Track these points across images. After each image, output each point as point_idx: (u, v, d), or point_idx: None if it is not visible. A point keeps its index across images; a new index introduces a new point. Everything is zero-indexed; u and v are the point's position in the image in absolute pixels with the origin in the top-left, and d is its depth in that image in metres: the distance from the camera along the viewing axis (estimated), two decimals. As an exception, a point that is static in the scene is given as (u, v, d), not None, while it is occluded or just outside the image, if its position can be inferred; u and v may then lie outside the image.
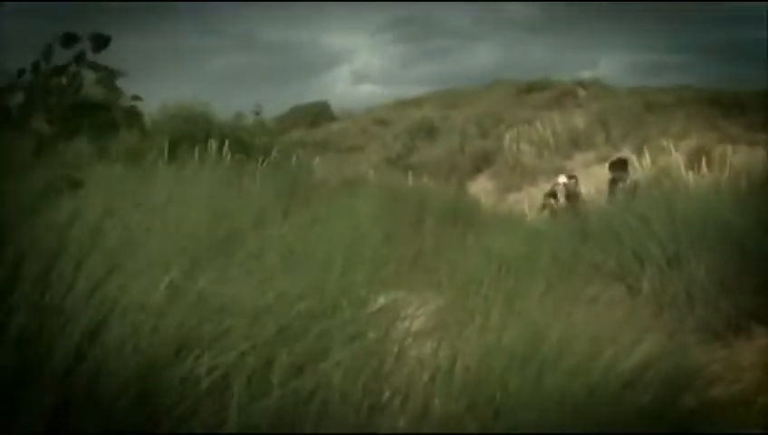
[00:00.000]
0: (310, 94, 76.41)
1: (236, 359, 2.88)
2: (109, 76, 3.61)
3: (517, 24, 79.10)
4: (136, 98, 3.85)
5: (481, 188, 24.91)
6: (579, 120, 27.43)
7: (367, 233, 11.00)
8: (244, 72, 71.31)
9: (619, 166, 14.09)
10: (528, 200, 19.14)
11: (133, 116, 3.83)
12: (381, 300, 3.82)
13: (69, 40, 3.61)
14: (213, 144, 13.02)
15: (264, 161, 13.40)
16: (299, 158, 15.64)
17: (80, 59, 3.61)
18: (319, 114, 39.03)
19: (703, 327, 7.41)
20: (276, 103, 40.87)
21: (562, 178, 15.40)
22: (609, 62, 73.18)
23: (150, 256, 3.40)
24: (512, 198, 23.53)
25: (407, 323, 3.65)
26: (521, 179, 25.14)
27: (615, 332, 4.05)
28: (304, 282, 3.48)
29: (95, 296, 3.05)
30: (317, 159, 17.55)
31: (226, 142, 13.08)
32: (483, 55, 76.76)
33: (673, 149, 11.17)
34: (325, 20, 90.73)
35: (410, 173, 16.99)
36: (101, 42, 3.65)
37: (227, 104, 16.74)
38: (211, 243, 4.34)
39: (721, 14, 71.44)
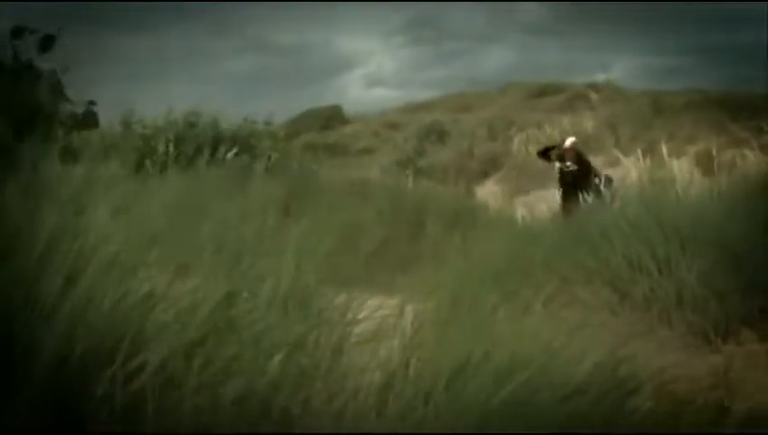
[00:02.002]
0: (323, 98, 76.38)
1: (163, 359, 2.91)
2: (51, 76, 3.66)
3: (531, 27, 78.72)
4: (91, 103, 3.90)
5: (489, 191, 24.92)
6: (588, 124, 27.41)
7: (354, 234, 11.16)
8: (257, 75, 71.25)
9: (567, 153, 14.65)
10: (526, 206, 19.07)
11: (88, 119, 3.88)
12: (341, 299, 3.84)
13: (17, 32, 3.66)
14: (215, 150, 13.10)
15: (266, 165, 13.47)
16: (302, 162, 15.71)
17: (17, 59, 3.66)
18: (331, 118, 39.11)
19: (693, 331, 7.43)
20: (289, 107, 40.93)
21: (570, 141, 15.34)
22: (624, 65, 72.94)
23: (111, 258, 3.43)
24: (520, 201, 23.49)
25: (362, 326, 3.68)
26: (529, 183, 25.09)
27: (568, 338, 4.04)
28: (254, 280, 3.52)
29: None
30: (318, 163, 17.60)
31: (223, 147, 13.18)
32: (496, 58, 76.51)
33: (665, 153, 11.15)
34: (338, 23, 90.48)
35: (411, 177, 16.99)
36: (46, 42, 3.70)
37: (240, 107, 16.82)
38: (180, 243, 4.37)
39: (738, 14, 71.02)
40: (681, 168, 17.07)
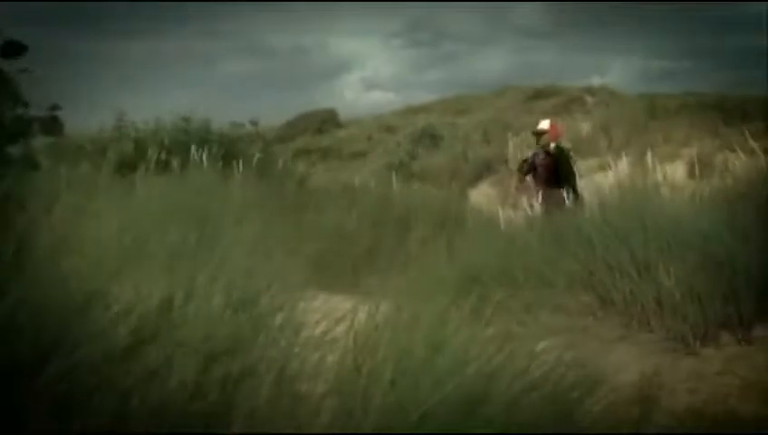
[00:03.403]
0: (320, 101, 76.46)
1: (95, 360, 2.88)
2: (3, 83, 3.61)
3: (529, 30, 79.08)
4: (55, 107, 3.85)
5: (483, 194, 24.87)
6: (582, 127, 27.42)
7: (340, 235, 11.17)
8: (253, 78, 71.50)
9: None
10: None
11: (51, 124, 3.83)
12: (292, 303, 3.80)
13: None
14: (200, 153, 13.10)
15: (250, 168, 13.47)
16: (286, 165, 15.73)
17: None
18: (326, 121, 39.10)
19: (671, 336, 7.42)
20: (285, 110, 40.93)
21: (547, 122, 13.42)
22: (621, 69, 73.07)
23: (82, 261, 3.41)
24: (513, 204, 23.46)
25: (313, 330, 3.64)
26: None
27: (524, 340, 3.99)
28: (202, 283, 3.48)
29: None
30: (311, 166, 17.63)
31: (208, 150, 13.19)
32: (494, 61, 76.81)
33: (650, 157, 11.14)
34: (335, 26, 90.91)
35: (399, 180, 16.92)
36: (13, 50, 3.65)
37: (234, 111, 16.86)
38: (142, 245, 4.32)
39: (735, 18, 71.18)
40: (674, 171, 17.09)
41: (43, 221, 3.72)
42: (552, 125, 13.35)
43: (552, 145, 13.07)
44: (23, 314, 2.89)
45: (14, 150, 3.83)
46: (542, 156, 12.98)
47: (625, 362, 6.72)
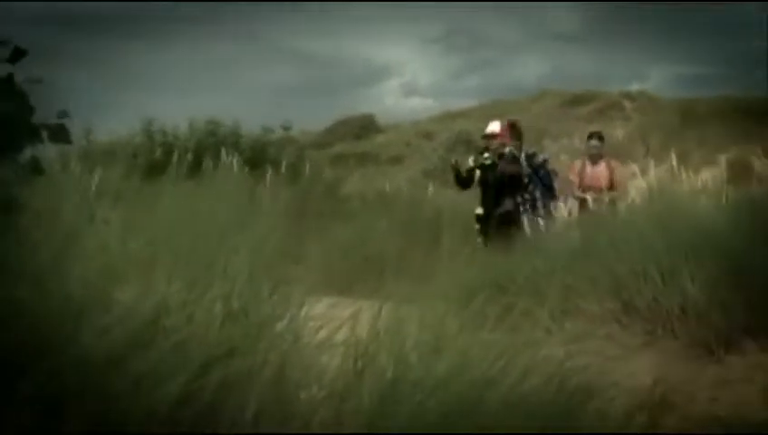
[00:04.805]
0: (359, 107, 76.58)
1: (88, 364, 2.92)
2: (8, 87, 3.65)
3: (567, 36, 78.88)
4: (62, 114, 3.89)
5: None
6: (619, 133, 27.28)
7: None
8: (293, 85, 71.85)
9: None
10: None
11: (58, 131, 3.86)
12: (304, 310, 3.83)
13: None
14: (230, 158, 13.18)
15: (281, 173, 13.57)
16: (317, 170, 15.77)
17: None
18: (364, 127, 39.16)
19: (695, 343, 7.37)
20: (325, 116, 41.09)
21: (496, 125, 11.83)
22: (659, 74, 72.62)
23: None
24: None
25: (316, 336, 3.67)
26: (559, 191, 24.93)
27: (523, 347, 3.99)
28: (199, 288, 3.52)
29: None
30: (348, 172, 17.64)
31: (237, 156, 13.25)
32: (532, 67, 76.69)
33: (674, 162, 11.02)
34: (374, 32, 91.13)
35: (432, 186, 16.92)
36: (15, 55, 3.69)
37: (275, 116, 16.76)
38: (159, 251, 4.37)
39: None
40: (708, 176, 16.95)
41: (52, 226, 3.77)
42: (504, 127, 11.77)
43: (507, 149, 11.46)
44: (17, 315, 2.93)
45: (23, 155, 3.87)
46: (508, 162, 11.38)
47: (644, 368, 6.70)
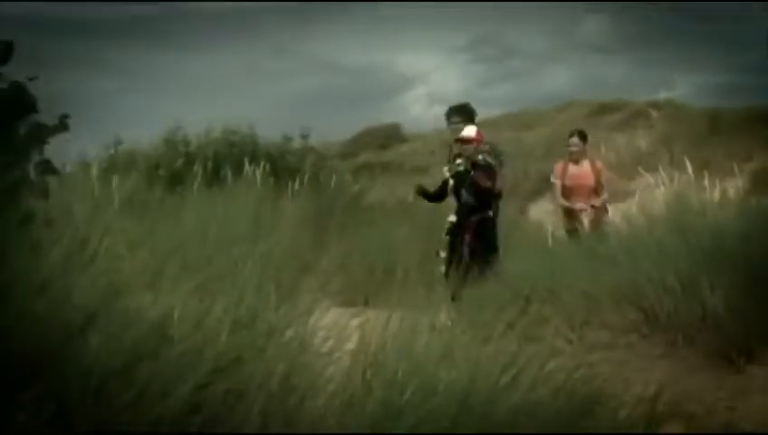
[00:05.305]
0: (385, 116, 76.45)
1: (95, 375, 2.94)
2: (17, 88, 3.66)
3: (595, 46, 78.68)
4: (64, 116, 3.90)
5: (543, 210, 24.75)
6: (643, 142, 27.18)
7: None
8: (320, 96, 71.96)
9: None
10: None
11: (60, 125, 3.88)
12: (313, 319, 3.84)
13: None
14: (252, 167, 13.21)
15: (302, 182, 13.60)
16: (339, 179, 15.75)
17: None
18: (389, 136, 39.15)
19: (715, 352, 7.33)
20: (351, 126, 41.05)
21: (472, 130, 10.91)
22: (687, 83, 72.21)
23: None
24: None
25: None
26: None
27: (532, 357, 3.98)
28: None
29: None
30: (372, 181, 17.61)
31: (263, 165, 13.29)
32: (560, 76, 76.51)
33: (690, 170, 10.87)
34: (401, 42, 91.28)
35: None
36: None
37: (300, 126, 16.62)
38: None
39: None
40: (732, 186, 16.82)
41: (65, 234, 3.80)
42: (478, 132, 10.92)
43: (480, 157, 10.80)
44: (24, 324, 2.96)
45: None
46: (483, 172, 10.71)
47: (664, 378, 6.67)
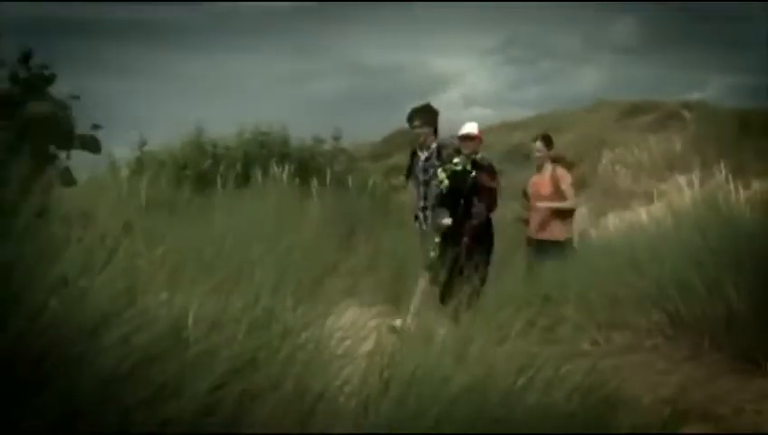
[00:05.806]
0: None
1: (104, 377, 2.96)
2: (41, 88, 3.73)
3: (626, 47, 78.21)
4: (95, 126, 3.97)
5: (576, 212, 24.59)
6: (676, 143, 26.99)
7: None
8: (353, 98, 72.07)
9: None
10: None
11: (90, 142, 3.95)
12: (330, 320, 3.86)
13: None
14: (280, 169, 13.26)
15: (331, 184, 13.64)
16: (366, 180, 15.78)
17: (14, 78, 3.75)
18: (422, 137, 39.02)
19: (741, 355, 7.29)
20: (384, 127, 40.96)
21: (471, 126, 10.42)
22: (718, 84, 71.62)
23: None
24: (605, 222, 23.14)
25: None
26: (615, 203, 24.72)
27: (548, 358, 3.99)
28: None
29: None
30: (381, 181, 17.54)
31: (289, 166, 13.35)
32: (591, 77, 76.11)
33: (723, 171, 10.77)
34: (433, 43, 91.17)
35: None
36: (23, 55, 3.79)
37: (332, 128, 16.57)
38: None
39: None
40: (762, 187, 16.68)
41: (86, 234, 3.83)
42: (481, 130, 10.56)
43: (479, 155, 10.42)
44: (35, 327, 2.99)
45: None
46: (485, 171, 10.32)
47: (690, 381, 6.67)
